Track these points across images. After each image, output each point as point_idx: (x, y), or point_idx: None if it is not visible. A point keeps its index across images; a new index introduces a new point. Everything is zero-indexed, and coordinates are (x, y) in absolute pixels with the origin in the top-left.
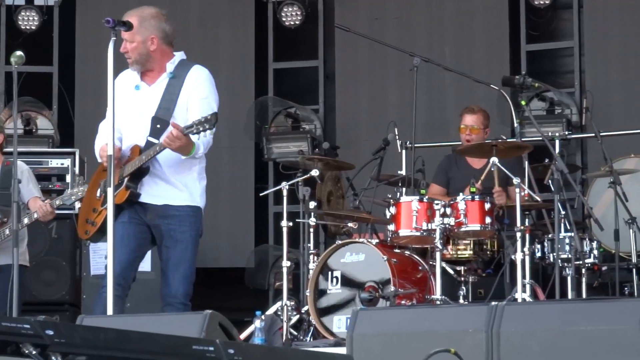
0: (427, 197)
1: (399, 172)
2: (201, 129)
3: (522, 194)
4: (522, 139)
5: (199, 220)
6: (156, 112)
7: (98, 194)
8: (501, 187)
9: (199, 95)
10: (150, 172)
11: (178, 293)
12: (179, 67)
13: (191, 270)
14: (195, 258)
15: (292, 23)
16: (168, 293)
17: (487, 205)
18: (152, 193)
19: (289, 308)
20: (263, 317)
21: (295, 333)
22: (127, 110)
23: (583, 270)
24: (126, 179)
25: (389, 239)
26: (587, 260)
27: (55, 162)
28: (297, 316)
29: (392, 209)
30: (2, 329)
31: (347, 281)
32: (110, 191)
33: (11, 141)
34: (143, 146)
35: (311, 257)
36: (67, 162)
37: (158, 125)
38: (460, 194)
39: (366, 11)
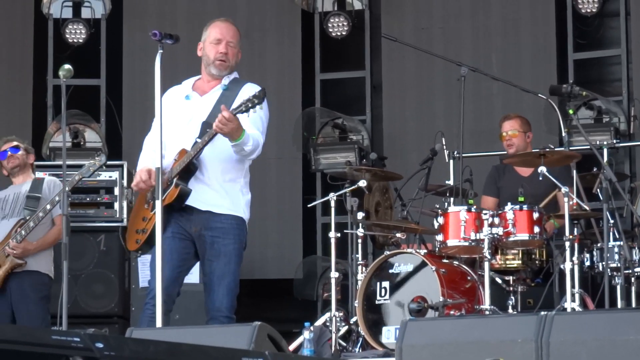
0: (476, 207)
1: (446, 182)
2: (250, 105)
3: (571, 203)
4: (570, 148)
5: (243, 232)
6: (207, 118)
7: (146, 204)
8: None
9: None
10: (196, 177)
11: (222, 306)
12: (232, 82)
13: (235, 283)
14: (239, 271)
15: (338, 34)
16: (212, 307)
17: (536, 215)
18: (197, 197)
19: (338, 319)
20: (312, 328)
21: (344, 344)
22: (176, 120)
23: (632, 279)
24: (175, 179)
25: (437, 249)
26: (636, 269)
27: (103, 175)
28: (346, 327)
29: (440, 219)
30: (52, 342)
31: (395, 292)
32: (158, 204)
33: (59, 154)
34: (190, 148)
35: (359, 267)
36: (115, 174)
37: (208, 129)
38: (509, 203)
39: (413, 21)
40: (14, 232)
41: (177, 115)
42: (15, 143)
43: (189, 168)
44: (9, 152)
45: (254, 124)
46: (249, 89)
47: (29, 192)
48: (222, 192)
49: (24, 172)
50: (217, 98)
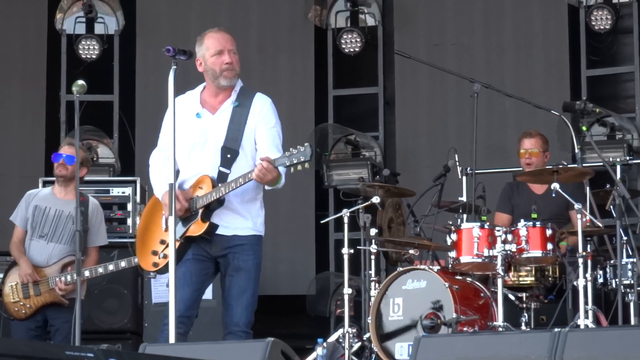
0: (489, 224)
1: (459, 198)
2: (295, 162)
3: (584, 219)
4: (583, 165)
5: (260, 248)
6: (225, 142)
7: (164, 226)
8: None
9: (268, 124)
10: None
11: (241, 322)
12: (241, 96)
13: (254, 298)
14: (258, 286)
15: (351, 50)
16: (231, 322)
17: (549, 232)
18: (222, 223)
19: (351, 335)
20: (325, 344)
21: None
22: (188, 138)
23: None
24: (200, 211)
25: (450, 265)
26: None
27: (116, 191)
28: (359, 343)
29: (453, 236)
30: (66, 357)
31: (408, 308)
32: (171, 220)
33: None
34: (215, 177)
35: (372, 284)
36: (128, 190)
37: (228, 155)
38: (522, 220)
39: (425, 37)
40: (64, 268)
41: (190, 134)
42: (73, 151)
43: (215, 203)
44: (62, 159)
45: (275, 145)
46: (259, 102)
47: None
48: (245, 213)
49: (71, 185)
50: (229, 117)
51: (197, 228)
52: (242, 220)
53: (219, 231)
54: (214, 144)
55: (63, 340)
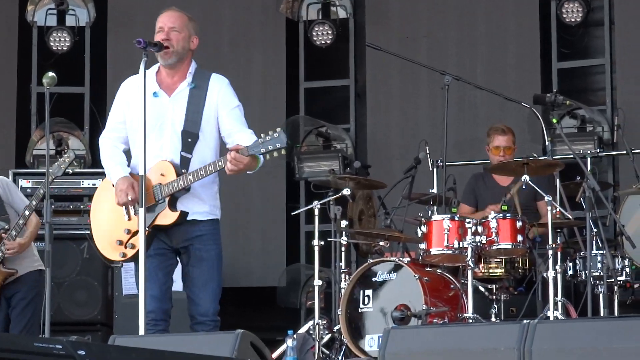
0: (459, 216)
1: (430, 190)
2: (270, 150)
3: (554, 211)
4: (554, 157)
5: (219, 234)
6: (185, 125)
7: (127, 215)
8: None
9: (229, 105)
10: None
11: (209, 311)
12: (197, 77)
13: (219, 287)
14: (221, 274)
15: (323, 42)
16: (198, 312)
17: (519, 224)
18: (181, 208)
19: (321, 327)
20: (295, 336)
21: (327, 352)
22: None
23: (615, 288)
24: (167, 200)
25: (420, 257)
26: (619, 278)
27: (86, 183)
28: (329, 335)
29: (424, 228)
30: (34, 349)
31: (379, 300)
32: (141, 212)
33: (43, 162)
34: (177, 162)
35: (343, 275)
36: (98, 182)
37: (189, 140)
38: (492, 212)
39: (397, 30)
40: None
41: (147, 114)
42: None
43: (182, 190)
44: None
45: (242, 123)
46: (216, 83)
47: None
48: (203, 196)
49: None
50: (186, 99)
51: (167, 218)
52: (200, 204)
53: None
54: (172, 127)
55: (19, 317)
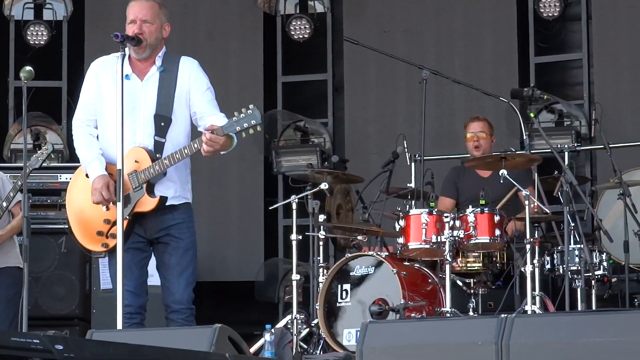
0: (436, 209)
1: (408, 184)
2: (245, 128)
3: (532, 206)
4: (531, 151)
5: (193, 219)
6: (157, 109)
7: (105, 206)
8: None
9: (200, 87)
10: None
11: (184, 299)
12: (166, 60)
13: (194, 275)
14: (196, 261)
15: (300, 36)
16: (173, 300)
17: (497, 218)
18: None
19: (299, 321)
20: (273, 330)
21: (305, 346)
22: (115, 102)
23: (593, 282)
24: (144, 186)
25: (398, 251)
26: (596, 272)
27: (64, 177)
28: (307, 329)
29: (402, 222)
30: (11, 344)
31: (356, 294)
32: (119, 206)
33: (20, 156)
34: (151, 147)
35: (321, 270)
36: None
37: (162, 124)
38: (470, 205)
39: (375, 24)
40: None
41: (117, 96)
42: None
43: (160, 175)
44: None
45: (214, 106)
46: (186, 66)
47: None
48: (176, 179)
49: None
50: (157, 83)
51: (147, 204)
52: (175, 187)
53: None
54: (144, 112)
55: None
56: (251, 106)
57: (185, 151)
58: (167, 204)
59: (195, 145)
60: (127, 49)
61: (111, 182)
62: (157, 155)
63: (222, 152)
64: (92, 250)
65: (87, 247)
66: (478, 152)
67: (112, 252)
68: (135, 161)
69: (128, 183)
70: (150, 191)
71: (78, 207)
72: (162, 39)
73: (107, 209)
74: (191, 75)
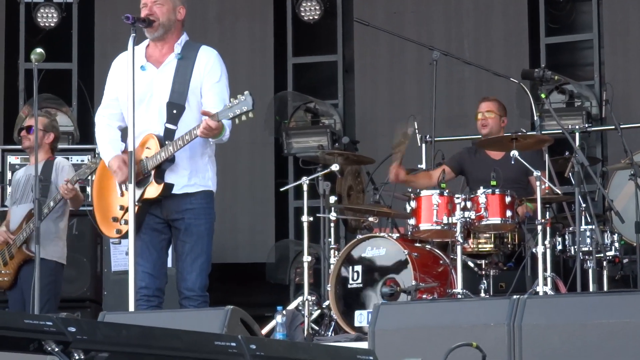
0: (448, 191)
1: (419, 166)
2: (238, 114)
3: (543, 187)
4: (542, 132)
5: (212, 207)
6: (170, 97)
7: (119, 192)
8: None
9: (213, 78)
10: None
11: (196, 286)
12: (186, 48)
13: (208, 262)
14: (211, 249)
15: (310, 18)
16: (186, 286)
17: (508, 199)
18: (171, 181)
19: (310, 303)
20: (284, 312)
21: (316, 328)
22: (135, 93)
23: (604, 263)
24: (153, 172)
25: (409, 233)
26: (608, 253)
27: (75, 159)
28: (319, 311)
29: (413, 203)
30: (24, 326)
31: (368, 275)
32: (131, 187)
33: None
34: (161, 134)
35: (332, 251)
36: (86, 158)
37: (174, 111)
38: (481, 187)
39: (385, 5)
40: (25, 224)
41: (135, 88)
42: (32, 122)
43: (166, 162)
44: (24, 132)
45: (222, 99)
46: (204, 55)
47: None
48: (193, 169)
49: (39, 153)
50: (173, 71)
51: (154, 190)
52: (190, 176)
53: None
54: (158, 99)
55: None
56: (245, 92)
57: (187, 137)
58: (181, 192)
59: (195, 132)
60: (146, 37)
61: (126, 158)
62: (167, 142)
63: (211, 140)
64: (108, 236)
65: (105, 232)
66: (485, 131)
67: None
68: (147, 147)
69: (139, 169)
70: (159, 177)
71: (98, 193)
72: (176, 21)
73: (122, 194)
74: (207, 65)
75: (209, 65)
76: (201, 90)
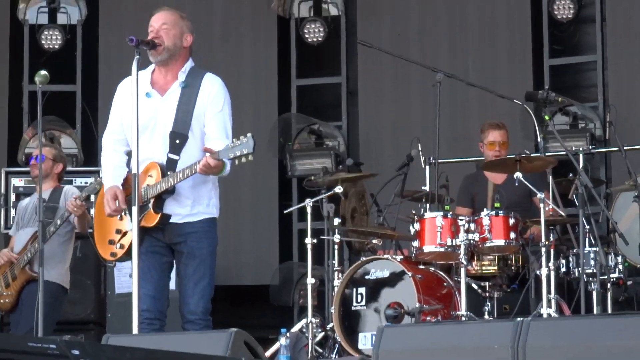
0: (452, 213)
1: (422, 188)
2: (238, 155)
3: (547, 208)
4: (546, 154)
5: (214, 231)
6: (173, 127)
7: (119, 216)
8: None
9: (216, 107)
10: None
11: (198, 310)
12: (190, 76)
13: (210, 286)
14: (214, 272)
15: (314, 39)
16: (188, 310)
17: (512, 221)
18: (173, 211)
19: (314, 325)
20: (288, 334)
21: (320, 350)
22: (139, 120)
23: (608, 285)
24: (152, 201)
25: (413, 255)
26: (612, 275)
27: (79, 181)
28: (322, 333)
29: (416, 225)
30: (28, 349)
31: (372, 297)
32: (134, 210)
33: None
34: (165, 164)
35: (336, 273)
36: (91, 180)
37: (177, 141)
38: (485, 209)
39: (389, 27)
40: (30, 245)
41: (140, 115)
42: (45, 151)
43: (166, 192)
44: (33, 160)
45: (223, 130)
46: (208, 84)
47: (47, 202)
48: (195, 198)
49: (47, 181)
50: (177, 99)
51: (150, 219)
52: (193, 205)
53: (172, 220)
54: (162, 128)
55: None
56: (248, 135)
57: (187, 171)
58: (182, 221)
59: (195, 167)
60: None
61: (119, 192)
62: (168, 172)
63: (216, 177)
64: (104, 259)
65: (102, 254)
66: (496, 158)
67: (126, 259)
68: (149, 176)
69: (141, 196)
70: (157, 207)
71: (98, 215)
72: (182, 47)
73: (121, 218)
74: (210, 93)
75: (212, 94)
76: (204, 119)
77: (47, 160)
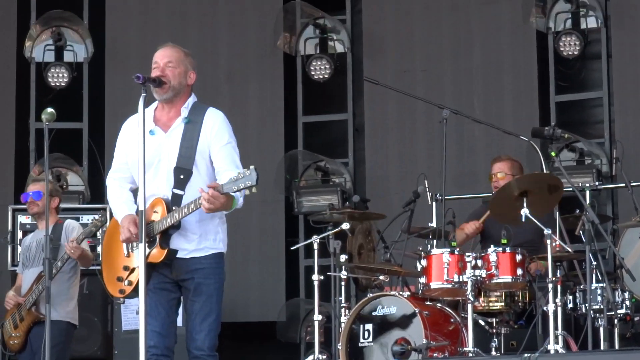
0: (458, 250)
1: (429, 224)
2: (242, 188)
3: (554, 244)
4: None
5: (222, 267)
6: (177, 162)
7: (126, 252)
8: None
9: (221, 141)
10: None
11: (205, 346)
12: (193, 111)
13: (217, 322)
14: (220, 309)
15: (321, 77)
16: (195, 346)
17: (519, 257)
18: (180, 247)
19: None
20: None
21: None
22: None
23: (615, 321)
24: (158, 237)
25: (420, 291)
26: (619, 311)
27: (86, 218)
28: None
29: (423, 262)
30: None
31: (379, 334)
32: (141, 247)
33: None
34: (170, 199)
35: (343, 310)
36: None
37: (181, 176)
38: (492, 245)
39: (394, 64)
40: (35, 286)
41: (138, 141)
42: (38, 186)
43: (172, 227)
44: (31, 197)
45: (232, 161)
46: (211, 118)
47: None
48: (202, 232)
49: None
50: (180, 135)
51: (157, 255)
52: (199, 240)
53: (179, 255)
54: (167, 164)
55: None
56: (251, 167)
57: (192, 206)
58: (189, 256)
59: (199, 202)
60: (156, 100)
61: (137, 220)
62: (173, 208)
63: (224, 212)
64: (113, 295)
65: (110, 291)
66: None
67: (134, 295)
68: (155, 212)
69: (147, 232)
70: (164, 242)
71: (106, 252)
72: (186, 85)
73: (128, 255)
74: (213, 128)
75: (215, 128)
76: (209, 154)
77: (44, 196)
